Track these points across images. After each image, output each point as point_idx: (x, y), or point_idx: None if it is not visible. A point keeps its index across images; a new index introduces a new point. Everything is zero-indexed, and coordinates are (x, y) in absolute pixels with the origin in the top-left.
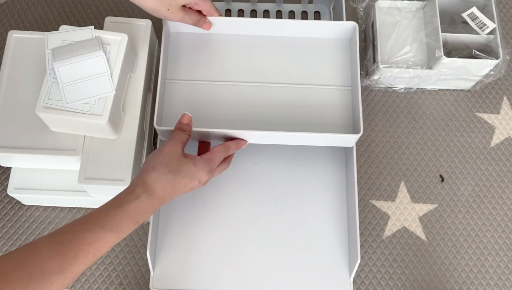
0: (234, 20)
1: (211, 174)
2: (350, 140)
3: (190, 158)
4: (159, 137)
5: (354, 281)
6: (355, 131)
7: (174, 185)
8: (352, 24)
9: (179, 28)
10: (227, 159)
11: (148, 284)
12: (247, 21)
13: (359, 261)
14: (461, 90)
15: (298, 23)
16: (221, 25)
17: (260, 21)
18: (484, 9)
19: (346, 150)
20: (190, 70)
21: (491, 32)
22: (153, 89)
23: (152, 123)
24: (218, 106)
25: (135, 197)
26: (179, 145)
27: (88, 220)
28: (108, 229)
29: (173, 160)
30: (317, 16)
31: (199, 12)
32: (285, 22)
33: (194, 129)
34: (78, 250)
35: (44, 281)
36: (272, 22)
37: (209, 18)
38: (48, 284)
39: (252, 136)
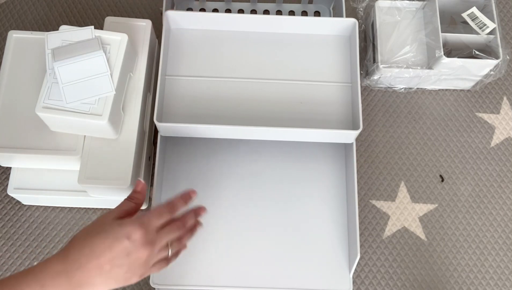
0: (234, 16)
1: (144, 228)
2: (349, 136)
3: (119, 221)
4: (159, 136)
5: (354, 281)
6: (354, 127)
7: (92, 249)
8: (352, 20)
9: (179, 24)
10: (182, 235)
11: (148, 284)
12: (247, 17)
13: (358, 256)
14: (461, 90)
15: (298, 19)
16: (222, 21)
17: (260, 17)
18: (484, 9)
19: (346, 149)
20: (190, 66)
21: (491, 32)
22: (153, 89)
23: (152, 123)
24: (218, 102)
25: (46, 260)
26: (114, 212)
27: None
28: None
29: (98, 224)
30: (317, 16)
31: None
32: (285, 18)
33: (193, 124)
34: None
35: None
36: (272, 18)
37: (210, 14)
38: None
39: (251, 132)
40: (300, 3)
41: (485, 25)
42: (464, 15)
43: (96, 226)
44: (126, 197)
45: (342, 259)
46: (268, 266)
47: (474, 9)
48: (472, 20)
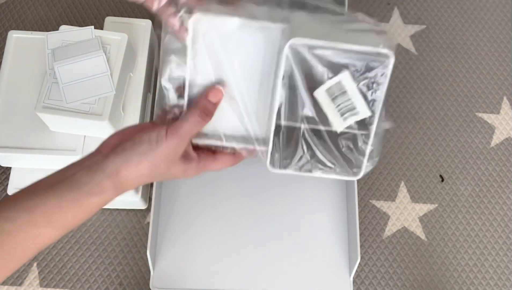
0: None
1: (198, 174)
2: None
3: (185, 162)
4: None
5: (354, 281)
6: None
7: (148, 180)
8: None
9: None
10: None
11: (148, 284)
12: None
13: (359, 260)
14: (461, 90)
15: None
16: None
17: None
18: None
19: None
20: None
21: None
22: (153, 89)
23: None
24: None
25: (100, 190)
26: (183, 145)
27: (35, 209)
28: (58, 227)
29: (165, 164)
30: None
31: None
32: None
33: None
34: (15, 245)
35: None
36: None
37: None
38: None
39: None
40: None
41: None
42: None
43: (159, 164)
44: (196, 110)
45: (342, 260)
46: (268, 268)
47: None
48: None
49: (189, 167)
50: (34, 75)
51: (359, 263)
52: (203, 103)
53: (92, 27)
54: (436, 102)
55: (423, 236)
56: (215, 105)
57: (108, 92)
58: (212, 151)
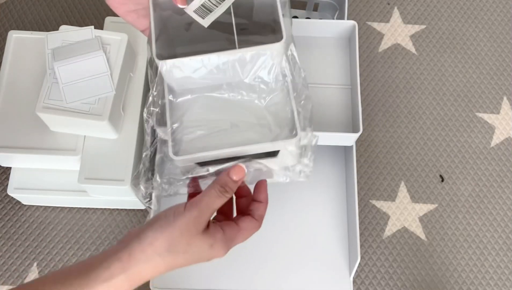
0: None
1: (227, 251)
2: (349, 139)
3: (209, 236)
4: (158, 137)
5: (354, 281)
6: (354, 130)
7: (169, 267)
8: (351, 23)
9: None
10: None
11: (148, 284)
12: None
13: (358, 260)
14: (461, 90)
15: (297, 22)
16: None
17: None
18: None
19: (346, 150)
20: None
21: None
22: None
23: None
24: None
25: (109, 276)
26: (203, 219)
27: None
28: None
29: (184, 238)
30: None
31: None
32: None
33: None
34: None
35: None
36: None
37: None
38: None
39: None
40: (304, 9)
41: None
42: None
43: (178, 239)
44: (216, 185)
45: (343, 261)
46: (268, 268)
47: None
48: None
49: (214, 241)
50: (34, 75)
51: (359, 263)
52: (224, 179)
53: (92, 27)
54: (436, 102)
55: (423, 236)
56: (237, 183)
57: (108, 92)
58: (232, 220)
